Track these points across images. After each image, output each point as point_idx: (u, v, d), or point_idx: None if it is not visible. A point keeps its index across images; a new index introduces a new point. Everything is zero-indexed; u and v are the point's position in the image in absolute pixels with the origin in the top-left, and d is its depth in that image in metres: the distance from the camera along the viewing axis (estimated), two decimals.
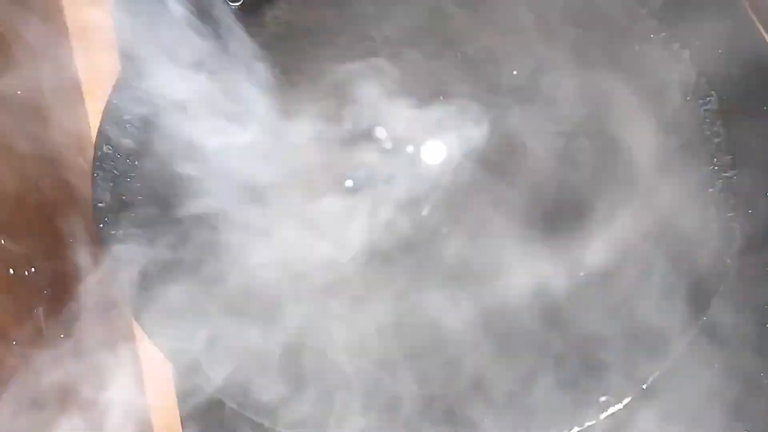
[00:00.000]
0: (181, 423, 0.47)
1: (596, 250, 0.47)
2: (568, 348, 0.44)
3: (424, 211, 0.48)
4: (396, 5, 0.54)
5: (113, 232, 0.45)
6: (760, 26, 0.57)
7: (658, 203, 0.48)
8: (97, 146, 0.47)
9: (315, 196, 0.49)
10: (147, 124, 0.49)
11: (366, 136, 0.50)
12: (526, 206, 0.48)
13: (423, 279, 0.46)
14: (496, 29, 0.54)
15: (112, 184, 0.46)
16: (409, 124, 0.50)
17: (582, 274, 0.46)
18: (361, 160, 0.50)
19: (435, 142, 0.50)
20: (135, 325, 0.55)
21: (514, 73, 0.52)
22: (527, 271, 0.46)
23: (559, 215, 0.48)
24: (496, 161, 0.49)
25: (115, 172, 0.47)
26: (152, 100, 0.50)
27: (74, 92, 0.62)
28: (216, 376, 0.43)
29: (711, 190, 0.46)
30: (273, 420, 0.42)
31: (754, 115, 0.53)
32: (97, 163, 0.46)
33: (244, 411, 0.42)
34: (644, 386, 0.40)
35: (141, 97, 0.50)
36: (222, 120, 0.51)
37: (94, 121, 0.62)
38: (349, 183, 0.49)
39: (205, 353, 0.43)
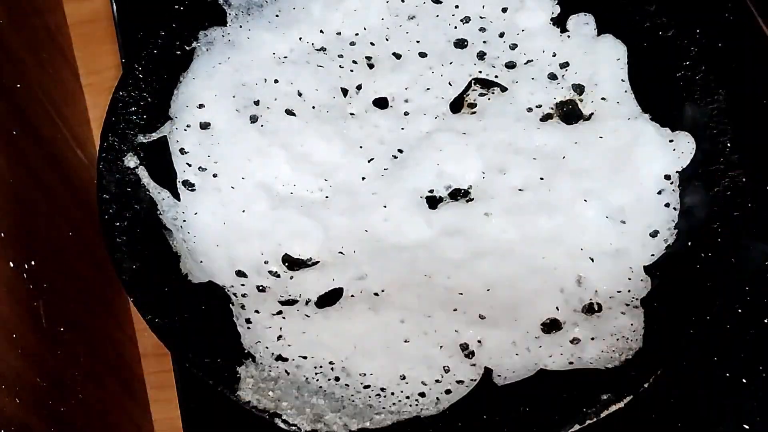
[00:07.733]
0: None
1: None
2: None
3: None
4: None
5: (117, 224, 0.44)
6: (761, 22, 0.57)
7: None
8: (102, 137, 0.47)
9: None
10: (152, 117, 0.49)
11: None
12: None
13: None
14: None
15: (117, 175, 0.46)
16: None
17: None
18: None
19: None
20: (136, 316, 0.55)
21: None
22: None
23: None
24: None
25: (120, 164, 0.47)
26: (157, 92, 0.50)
27: (74, 85, 0.62)
28: None
29: (717, 189, 0.46)
30: None
31: (759, 113, 0.54)
32: (102, 155, 0.46)
33: None
34: (646, 385, 0.40)
35: (146, 88, 0.49)
36: None
37: (94, 115, 0.62)
38: None
39: None
